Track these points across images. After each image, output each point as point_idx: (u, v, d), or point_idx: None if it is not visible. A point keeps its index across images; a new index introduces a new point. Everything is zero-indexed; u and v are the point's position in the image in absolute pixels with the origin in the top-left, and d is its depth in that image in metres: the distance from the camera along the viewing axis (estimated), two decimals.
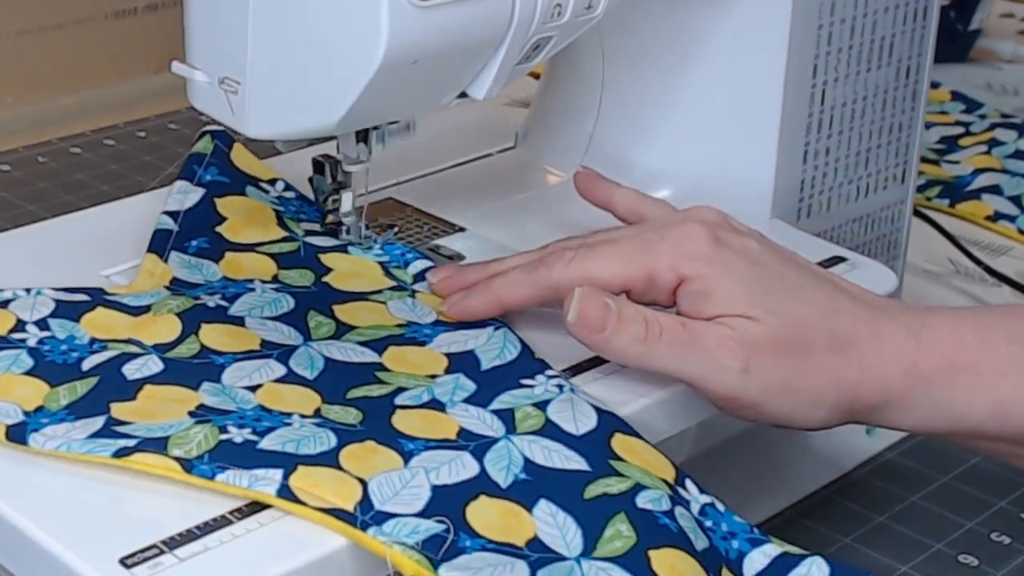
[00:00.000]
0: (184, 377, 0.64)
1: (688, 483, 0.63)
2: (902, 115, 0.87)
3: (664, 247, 0.67)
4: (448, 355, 0.68)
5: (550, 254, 0.69)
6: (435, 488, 0.59)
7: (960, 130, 1.16)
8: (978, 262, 0.97)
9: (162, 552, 0.55)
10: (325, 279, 0.73)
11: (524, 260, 0.70)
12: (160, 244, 0.73)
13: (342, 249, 0.75)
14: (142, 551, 0.55)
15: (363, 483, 0.58)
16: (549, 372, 0.66)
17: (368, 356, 0.67)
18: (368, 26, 0.63)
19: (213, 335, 0.67)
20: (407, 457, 0.60)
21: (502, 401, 0.65)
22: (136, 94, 1.17)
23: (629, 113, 0.83)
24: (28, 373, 0.64)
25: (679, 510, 0.60)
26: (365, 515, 0.57)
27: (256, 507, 0.58)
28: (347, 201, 0.75)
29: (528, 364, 0.67)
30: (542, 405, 0.64)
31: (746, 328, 0.65)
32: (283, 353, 0.67)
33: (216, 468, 0.58)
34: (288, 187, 0.79)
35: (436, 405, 0.64)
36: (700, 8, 0.79)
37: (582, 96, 0.85)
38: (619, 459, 0.62)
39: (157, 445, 0.59)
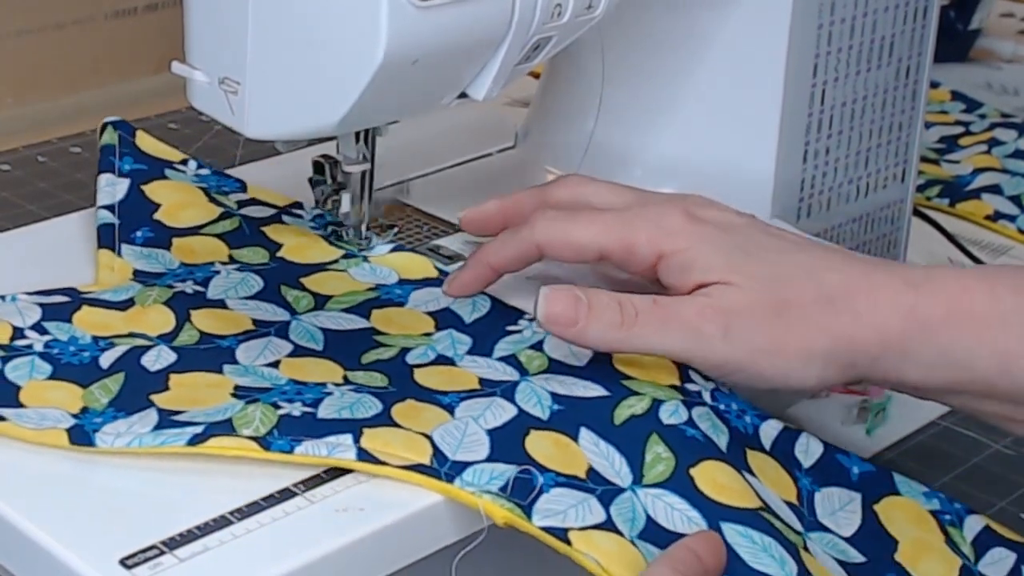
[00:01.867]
0: (202, 363, 0.66)
1: (691, 374, 0.66)
2: (902, 115, 0.87)
3: (642, 222, 0.68)
4: (430, 313, 0.71)
5: (535, 213, 0.70)
6: (489, 432, 0.62)
7: (960, 130, 1.15)
8: (978, 262, 0.97)
9: (162, 552, 0.55)
10: (279, 254, 0.75)
11: (531, 199, 0.72)
12: (107, 239, 0.75)
13: (278, 219, 0.78)
14: (142, 551, 0.55)
15: (428, 437, 0.61)
16: (527, 316, 0.70)
17: (358, 322, 0.70)
18: (368, 26, 0.63)
19: (206, 320, 0.69)
20: (450, 410, 0.63)
21: (501, 349, 0.68)
22: (136, 94, 1.17)
23: (629, 113, 0.83)
24: (53, 378, 0.64)
25: (696, 411, 0.64)
26: (443, 467, 0.60)
27: (256, 507, 0.58)
28: (347, 201, 0.75)
29: (505, 313, 0.71)
30: (538, 346, 0.68)
31: (723, 294, 0.65)
32: (280, 329, 0.69)
33: (292, 442, 0.60)
34: (201, 165, 0.81)
35: (446, 360, 0.67)
36: (700, 8, 0.79)
37: (582, 96, 0.85)
38: (628, 377, 0.65)
39: (225, 428, 0.60)
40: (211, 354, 0.66)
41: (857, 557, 0.64)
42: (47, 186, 1.02)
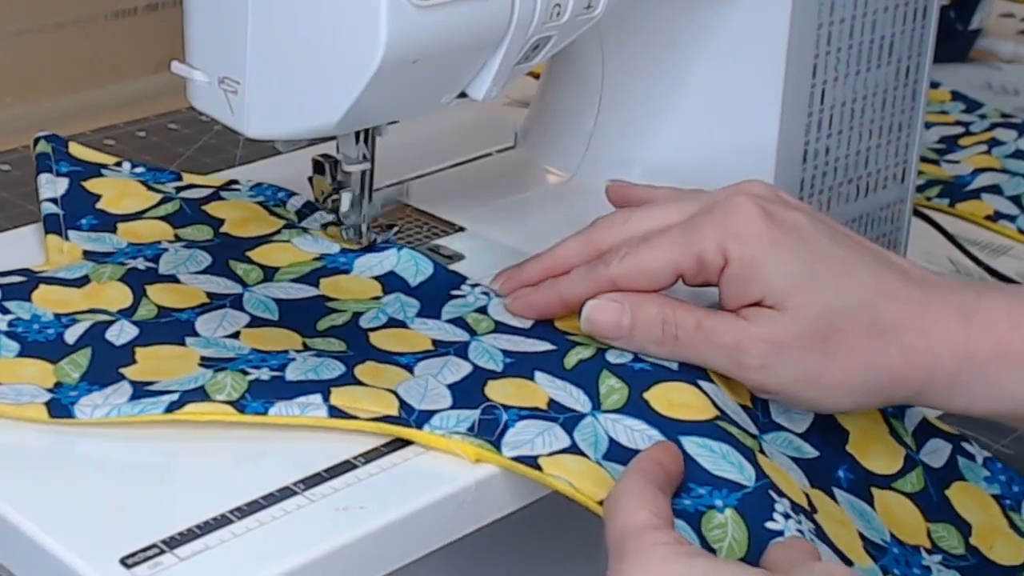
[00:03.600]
0: (164, 335, 0.67)
1: None
2: (902, 115, 0.87)
3: (710, 227, 0.67)
4: (376, 278, 0.73)
5: (608, 252, 0.69)
6: (449, 386, 0.65)
7: (960, 130, 1.15)
8: (978, 262, 0.97)
9: (162, 552, 0.55)
10: (223, 230, 0.77)
11: (578, 249, 0.71)
12: (53, 225, 0.76)
13: (217, 197, 0.80)
14: (142, 551, 0.55)
15: (393, 392, 0.63)
16: (470, 282, 0.73)
17: (309, 291, 0.72)
18: (367, 26, 0.63)
19: (162, 295, 0.71)
20: (409, 369, 0.66)
21: (448, 312, 0.71)
22: (136, 94, 1.17)
23: (629, 112, 0.83)
24: (22, 355, 0.65)
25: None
26: (411, 416, 0.62)
27: (256, 506, 0.58)
28: (347, 201, 0.75)
29: (447, 277, 0.74)
30: (482, 310, 0.71)
31: (771, 323, 0.65)
32: (234, 301, 0.71)
33: (265, 404, 0.62)
34: (135, 165, 0.83)
35: (398, 323, 0.70)
36: (700, 7, 0.79)
37: (582, 96, 0.85)
38: (571, 333, 0.69)
39: (199, 395, 0.62)
40: (172, 327, 0.68)
41: (811, 452, 0.67)
42: None
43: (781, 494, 0.61)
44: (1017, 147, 1.11)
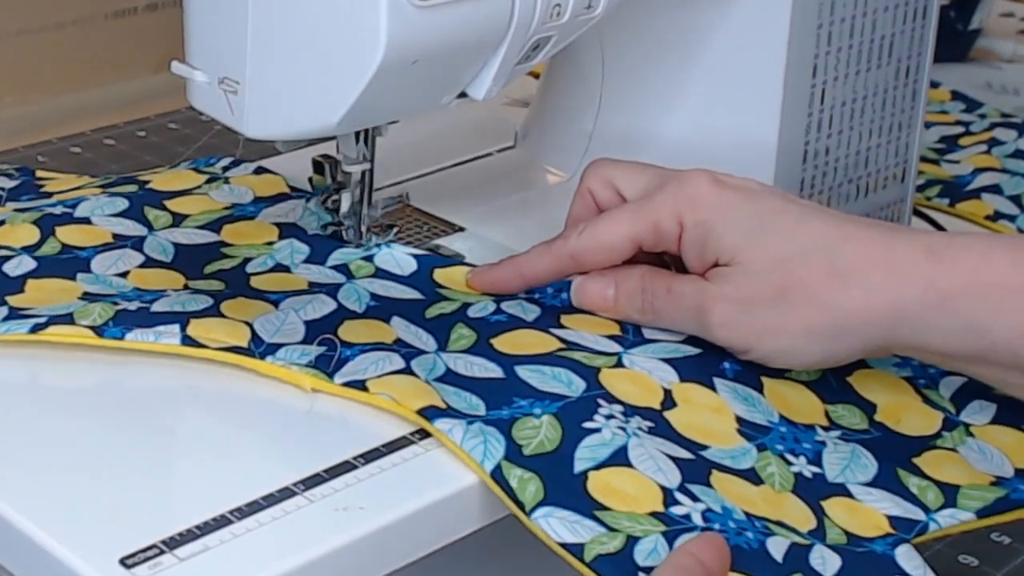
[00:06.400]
0: (59, 270, 0.72)
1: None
2: (902, 114, 0.87)
3: (664, 197, 0.69)
4: (276, 224, 0.77)
5: (567, 226, 0.72)
6: (307, 323, 0.68)
7: (960, 130, 1.15)
8: None
9: (162, 552, 0.55)
10: (148, 186, 0.81)
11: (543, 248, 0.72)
12: None
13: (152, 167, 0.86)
14: (142, 551, 0.55)
15: (249, 325, 0.67)
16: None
17: (209, 237, 0.76)
18: (367, 26, 0.63)
19: (69, 234, 0.75)
20: (276, 304, 0.70)
21: (335, 258, 0.74)
22: (136, 94, 1.17)
23: (628, 112, 0.83)
24: None
25: (506, 303, 0.71)
26: (259, 348, 0.66)
27: (256, 506, 0.58)
28: (347, 201, 0.75)
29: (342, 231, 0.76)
30: (369, 258, 0.75)
31: (727, 280, 0.66)
32: (136, 243, 0.75)
33: (123, 329, 0.66)
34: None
35: (282, 268, 0.74)
36: (700, 7, 0.79)
37: (582, 95, 0.85)
38: (444, 287, 0.73)
39: (65, 319, 0.66)
40: (69, 263, 0.73)
41: (692, 351, 0.68)
42: None
43: (614, 401, 0.64)
44: (1017, 147, 1.11)
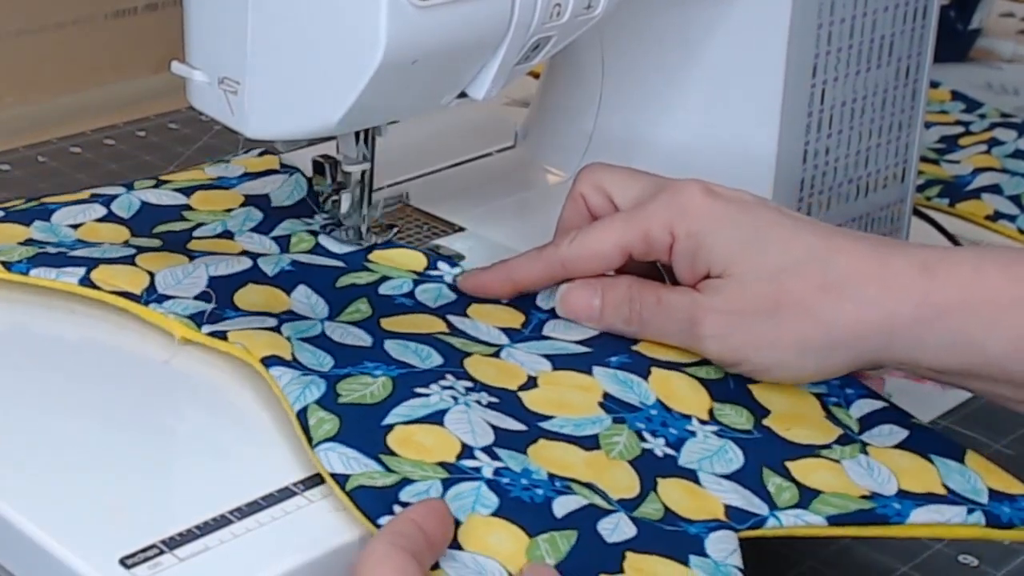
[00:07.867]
0: (20, 218, 0.75)
1: (440, 264, 0.73)
2: (902, 114, 0.87)
3: (655, 207, 0.68)
4: (245, 195, 0.78)
5: (558, 230, 0.72)
6: (212, 279, 0.69)
7: (960, 130, 1.15)
8: None
9: (162, 552, 0.55)
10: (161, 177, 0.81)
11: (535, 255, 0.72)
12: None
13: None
14: (142, 551, 0.55)
15: (151, 274, 0.69)
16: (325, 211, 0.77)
17: (179, 199, 0.77)
18: (367, 26, 0.63)
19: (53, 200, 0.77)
20: (193, 259, 0.71)
21: (282, 228, 0.75)
22: (136, 94, 1.17)
23: (628, 112, 0.83)
24: None
25: (421, 287, 0.71)
26: (149, 297, 0.68)
27: (256, 506, 0.58)
28: (347, 201, 0.75)
29: (309, 206, 0.78)
30: (315, 232, 0.75)
31: (719, 292, 0.66)
32: (106, 200, 0.76)
33: (28, 265, 0.69)
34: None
35: (227, 235, 0.75)
36: (700, 7, 0.79)
37: (582, 95, 0.85)
38: (373, 262, 0.73)
39: None
40: (31, 212, 0.75)
41: (580, 349, 0.68)
42: (47, 186, 1.02)
43: (462, 377, 0.64)
44: (1017, 147, 1.11)
